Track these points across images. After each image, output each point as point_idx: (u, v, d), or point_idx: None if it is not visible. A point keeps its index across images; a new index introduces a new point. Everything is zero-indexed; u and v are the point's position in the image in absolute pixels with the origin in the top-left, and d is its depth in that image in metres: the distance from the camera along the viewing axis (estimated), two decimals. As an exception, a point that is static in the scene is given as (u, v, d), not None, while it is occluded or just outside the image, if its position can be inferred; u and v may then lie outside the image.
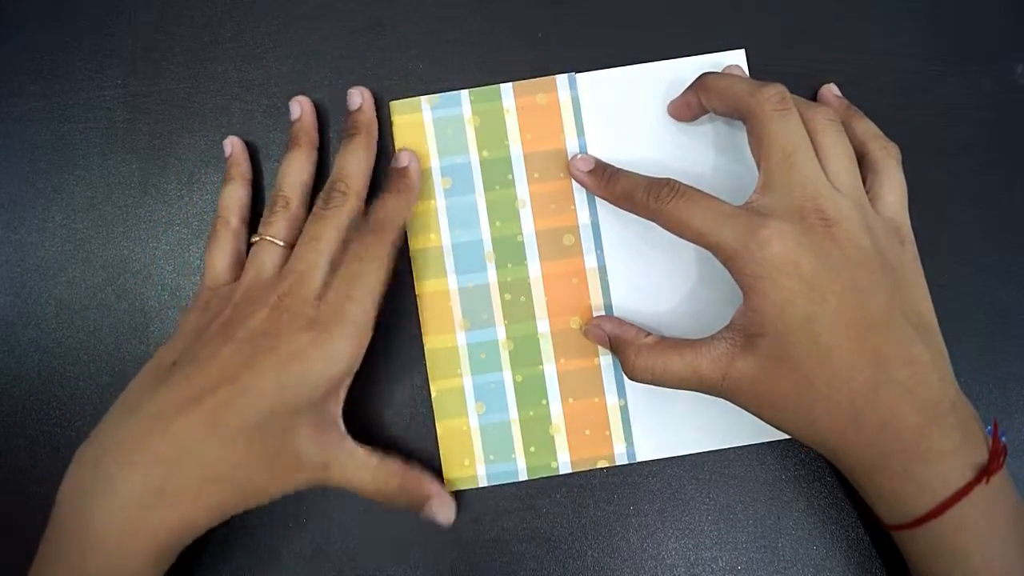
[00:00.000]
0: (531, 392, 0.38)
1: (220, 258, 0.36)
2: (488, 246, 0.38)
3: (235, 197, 0.37)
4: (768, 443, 0.38)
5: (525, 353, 0.38)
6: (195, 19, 0.40)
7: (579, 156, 0.38)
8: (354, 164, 0.36)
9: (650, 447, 0.38)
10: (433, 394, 0.38)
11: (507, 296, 0.38)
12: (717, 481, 0.38)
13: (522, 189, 0.39)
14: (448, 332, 0.38)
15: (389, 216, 0.35)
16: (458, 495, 0.38)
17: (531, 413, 0.38)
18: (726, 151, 0.38)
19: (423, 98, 0.39)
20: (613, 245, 0.38)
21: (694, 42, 0.39)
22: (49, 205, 0.39)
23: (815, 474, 0.38)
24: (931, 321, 0.33)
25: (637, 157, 0.38)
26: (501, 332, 0.38)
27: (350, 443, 0.34)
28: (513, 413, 0.38)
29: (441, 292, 0.38)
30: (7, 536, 0.38)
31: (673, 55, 0.39)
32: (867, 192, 0.34)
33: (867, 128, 0.36)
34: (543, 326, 0.38)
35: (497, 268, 0.38)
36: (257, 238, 0.35)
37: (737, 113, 0.34)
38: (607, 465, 0.38)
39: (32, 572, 0.31)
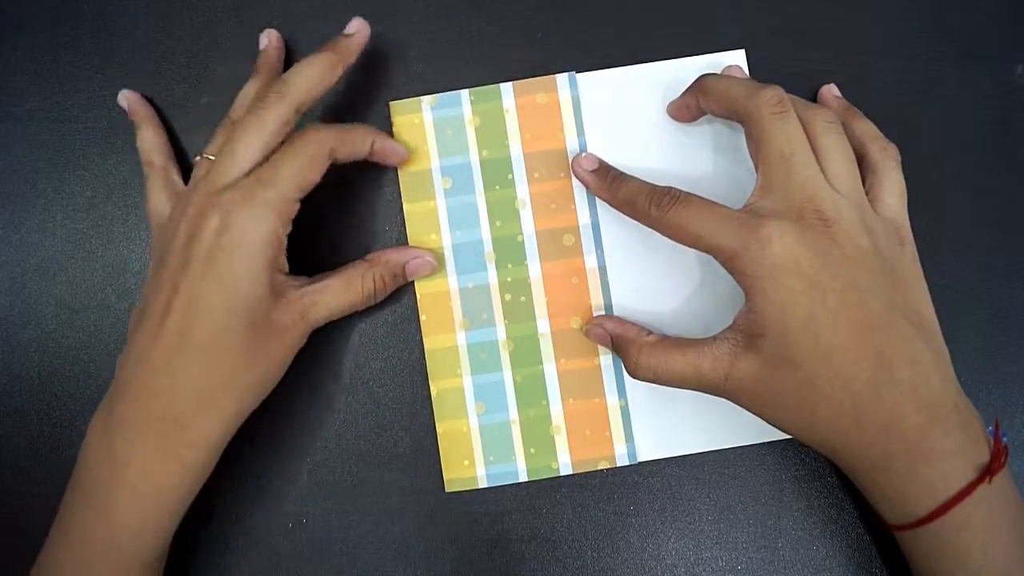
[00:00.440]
0: (531, 392, 0.38)
1: (157, 197, 0.36)
2: (488, 246, 0.38)
3: (148, 139, 0.37)
4: (768, 443, 0.38)
5: (525, 353, 0.38)
6: (195, 19, 0.40)
7: (583, 155, 0.38)
8: (302, 74, 0.34)
9: (651, 447, 0.38)
10: (433, 394, 0.38)
11: (507, 296, 0.38)
12: (717, 481, 0.38)
13: (522, 189, 0.39)
14: (448, 332, 0.38)
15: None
16: (458, 495, 0.38)
17: (531, 413, 0.38)
18: (726, 152, 0.38)
19: (423, 98, 0.39)
20: (613, 245, 0.38)
21: (694, 42, 0.39)
22: (49, 205, 0.39)
23: (815, 474, 0.38)
24: (931, 321, 0.33)
25: (637, 157, 0.38)
26: (501, 332, 0.38)
27: (309, 285, 0.34)
28: (513, 413, 0.38)
29: (441, 292, 0.38)
30: (7, 536, 0.38)
31: (673, 55, 0.39)
32: (867, 193, 0.34)
33: (867, 129, 0.36)
34: (543, 326, 0.38)
35: (497, 268, 0.38)
36: (197, 157, 0.35)
37: (735, 116, 0.34)
38: (608, 466, 0.38)
39: (58, 519, 0.32)
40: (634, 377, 0.35)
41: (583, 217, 0.38)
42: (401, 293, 0.39)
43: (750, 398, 0.32)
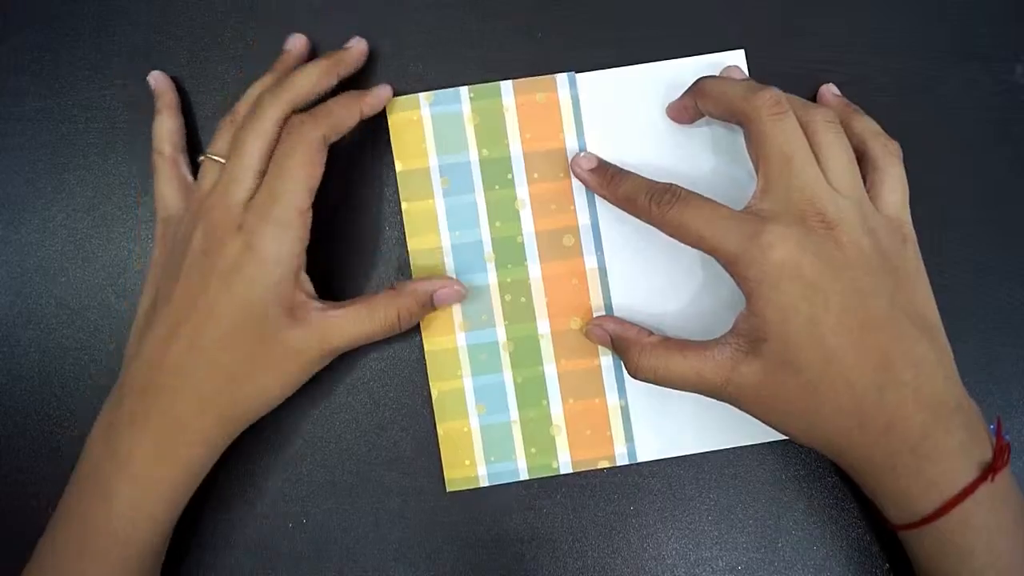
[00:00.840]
0: (532, 393, 0.38)
1: (164, 188, 0.37)
2: (488, 247, 0.38)
3: (165, 128, 0.37)
4: (768, 443, 0.38)
5: (525, 354, 0.38)
6: (195, 19, 0.40)
7: (582, 154, 0.38)
8: (299, 76, 0.35)
9: (651, 447, 0.38)
10: (434, 396, 0.38)
11: (507, 297, 0.38)
12: (717, 481, 0.38)
13: (522, 189, 0.38)
14: (448, 333, 0.38)
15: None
16: (458, 495, 0.38)
17: (532, 414, 0.38)
18: (726, 152, 0.38)
19: (420, 95, 0.38)
20: (613, 246, 0.38)
21: (694, 42, 0.39)
22: (49, 205, 0.39)
23: (815, 474, 0.38)
24: (935, 320, 0.33)
25: (636, 157, 0.38)
26: (501, 333, 0.38)
27: (333, 310, 0.34)
28: (514, 414, 0.38)
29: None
30: (7, 536, 0.38)
31: (673, 55, 0.39)
32: (868, 190, 0.34)
33: (867, 126, 0.36)
34: (543, 327, 0.38)
35: (497, 269, 0.38)
36: (202, 157, 0.35)
37: (734, 118, 0.34)
38: (608, 465, 0.38)
39: (59, 507, 0.33)
40: (634, 378, 0.34)
41: (583, 218, 0.38)
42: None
43: (752, 403, 0.32)
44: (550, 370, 0.38)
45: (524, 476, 0.38)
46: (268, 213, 0.33)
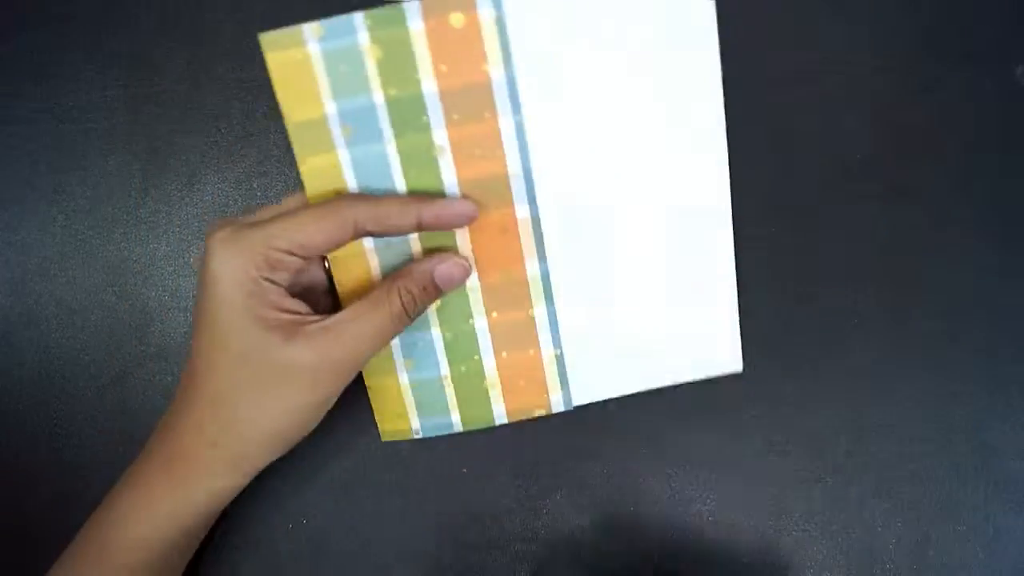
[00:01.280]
0: (462, 348, 0.36)
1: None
2: None
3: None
4: (768, 443, 0.38)
5: (454, 309, 0.36)
6: (195, 19, 0.40)
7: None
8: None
9: (585, 391, 0.37)
10: None
11: (428, 246, 0.35)
12: (717, 481, 0.38)
13: (440, 133, 0.33)
14: (367, 291, 0.35)
15: (381, 201, 0.33)
16: (457, 494, 0.38)
17: (463, 369, 0.37)
18: (677, 84, 0.35)
19: (304, 27, 0.32)
20: (548, 195, 0.35)
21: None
22: (49, 206, 0.39)
23: (815, 474, 0.38)
24: None
25: (579, 92, 0.34)
26: None
27: (331, 318, 0.32)
28: (444, 369, 0.37)
29: (356, 255, 0.35)
30: (7, 536, 0.38)
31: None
32: None
33: None
34: (472, 280, 0.36)
35: None
36: None
37: None
38: (544, 413, 0.37)
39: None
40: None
41: (513, 165, 0.34)
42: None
43: None
44: (481, 324, 0.36)
45: (459, 428, 0.37)
46: (234, 234, 0.31)
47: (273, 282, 0.31)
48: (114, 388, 0.39)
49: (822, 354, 0.38)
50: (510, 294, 0.36)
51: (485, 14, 0.32)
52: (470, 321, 0.36)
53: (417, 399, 0.37)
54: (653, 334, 0.37)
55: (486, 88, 0.33)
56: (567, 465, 0.39)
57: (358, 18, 0.32)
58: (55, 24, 0.40)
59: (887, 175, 0.38)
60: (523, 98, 0.34)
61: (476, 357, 0.37)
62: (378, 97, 0.33)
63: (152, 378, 0.39)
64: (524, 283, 0.36)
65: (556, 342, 0.37)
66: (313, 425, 0.33)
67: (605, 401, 0.38)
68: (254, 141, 0.39)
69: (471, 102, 0.33)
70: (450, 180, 0.34)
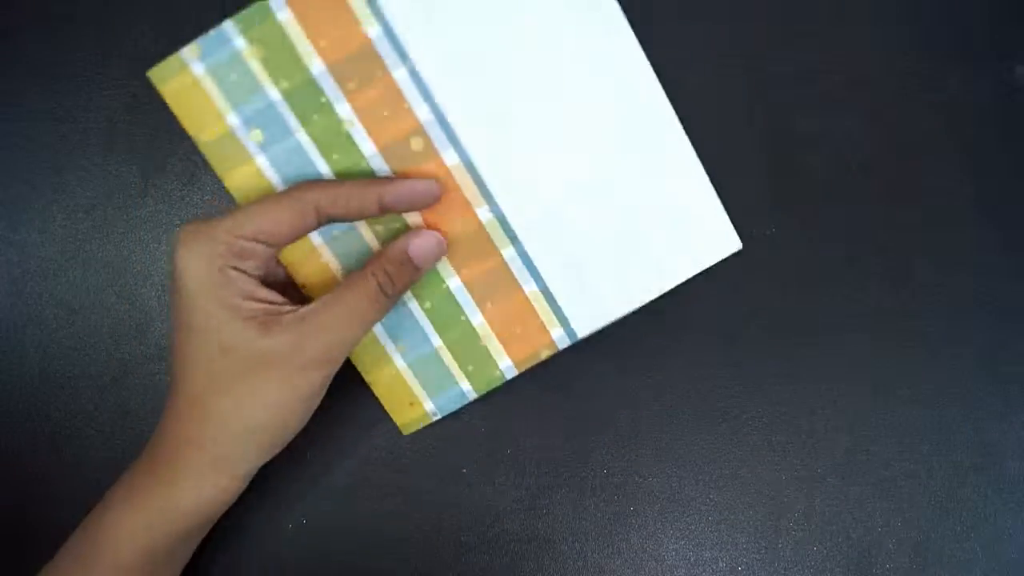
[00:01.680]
0: (445, 312, 0.36)
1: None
2: None
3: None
4: (768, 443, 0.38)
5: (425, 279, 0.36)
6: (195, 19, 0.40)
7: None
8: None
9: (587, 322, 0.36)
10: (351, 354, 0.36)
11: (378, 228, 0.35)
12: (717, 481, 0.38)
13: (342, 107, 0.33)
14: (330, 285, 0.35)
15: (342, 184, 0.33)
16: (458, 494, 0.38)
17: (454, 334, 0.36)
18: (581, 39, 0.33)
19: (182, 51, 0.32)
20: (474, 137, 0.34)
21: (688, 37, 0.39)
22: (49, 205, 0.39)
23: (815, 474, 0.38)
24: None
25: (461, 25, 0.33)
26: None
27: (305, 309, 0.31)
28: (436, 340, 0.36)
29: (309, 251, 0.35)
30: (7, 535, 0.38)
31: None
32: None
33: None
34: None
35: None
36: None
37: None
38: (550, 353, 0.37)
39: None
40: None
41: (422, 113, 0.33)
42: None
43: None
44: (455, 283, 0.36)
45: (473, 395, 0.37)
46: (201, 226, 0.31)
47: (243, 271, 0.31)
48: (114, 388, 0.39)
49: (822, 353, 0.38)
50: (473, 246, 0.35)
51: None
52: (443, 285, 0.36)
53: (421, 379, 0.37)
54: (635, 243, 0.36)
55: (369, 48, 0.33)
56: (567, 465, 0.39)
57: (228, 26, 0.32)
58: (55, 24, 0.40)
59: (887, 175, 0.38)
60: (407, 46, 0.33)
61: (463, 318, 0.36)
62: (274, 94, 0.33)
63: (152, 378, 0.39)
64: (482, 230, 0.35)
65: (537, 278, 0.36)
66: (298, 422, 0.32)
67: (605, 397, 0.38)
68: (254, 141, 0.39)
69: (360, 66, 0.33)
70: (369, 150, 0.34)
